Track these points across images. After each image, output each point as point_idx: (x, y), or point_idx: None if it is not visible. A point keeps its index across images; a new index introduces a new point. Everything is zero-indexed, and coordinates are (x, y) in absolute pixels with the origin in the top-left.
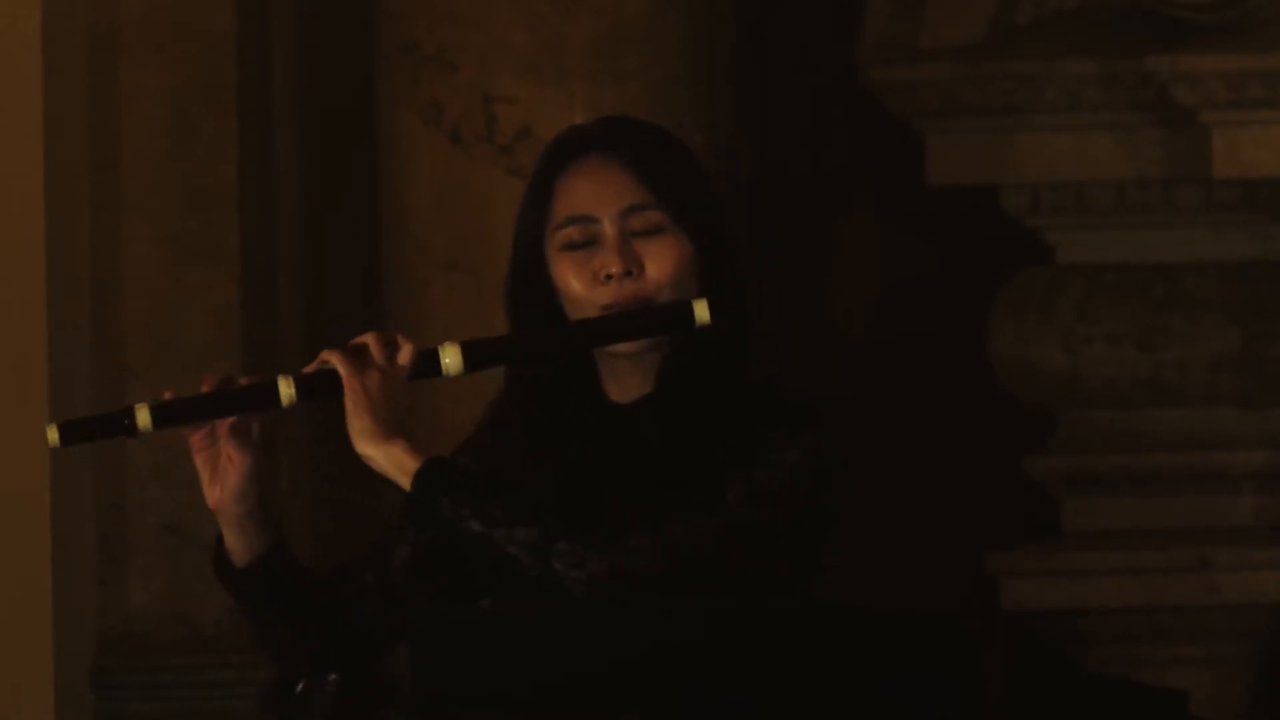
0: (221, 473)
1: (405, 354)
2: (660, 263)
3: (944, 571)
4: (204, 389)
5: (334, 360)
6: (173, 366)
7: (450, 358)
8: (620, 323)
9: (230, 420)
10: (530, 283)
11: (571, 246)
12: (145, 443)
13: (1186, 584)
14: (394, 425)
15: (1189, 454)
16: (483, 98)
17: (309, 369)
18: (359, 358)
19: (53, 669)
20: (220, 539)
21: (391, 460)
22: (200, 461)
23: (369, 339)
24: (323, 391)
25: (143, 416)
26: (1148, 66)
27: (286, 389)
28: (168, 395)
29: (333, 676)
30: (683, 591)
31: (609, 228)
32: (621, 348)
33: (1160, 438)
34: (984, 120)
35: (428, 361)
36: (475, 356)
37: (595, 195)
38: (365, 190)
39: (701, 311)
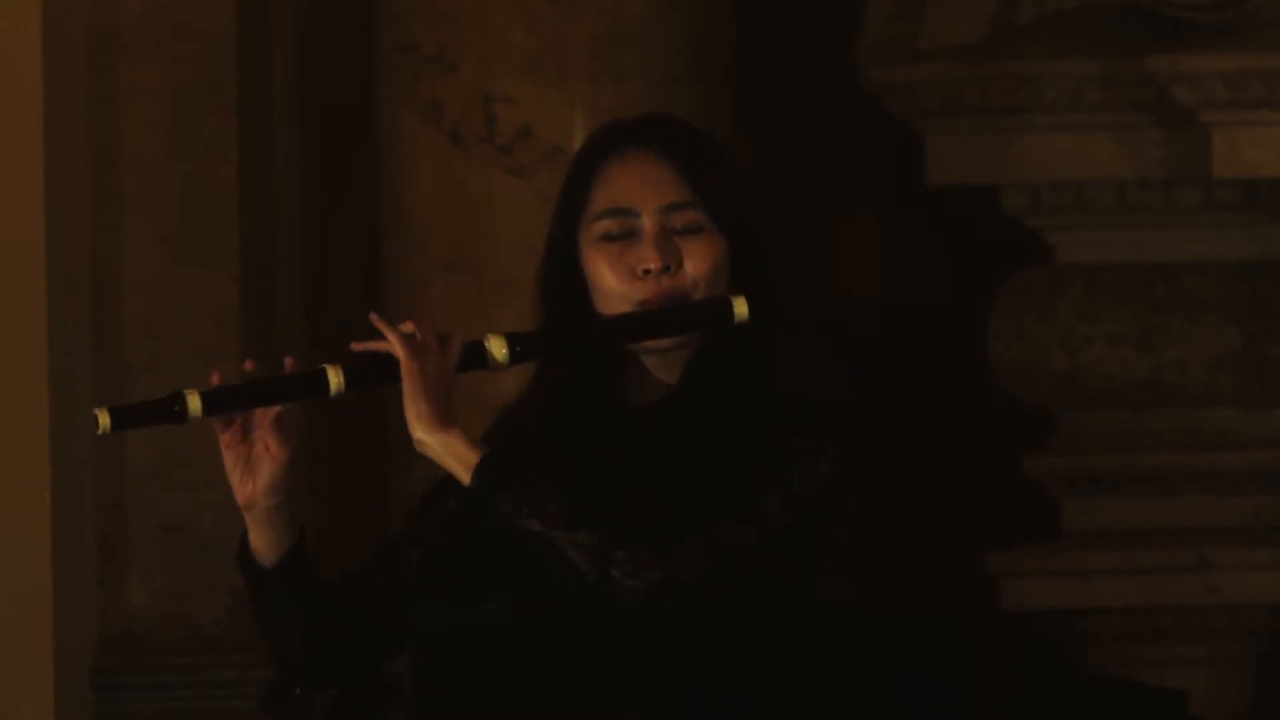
0: (255, 465)
1: (455, 343)
2: (698, 261)
3: (944, 571)
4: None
5: (394, 339)
6: (173, 366)
7: (496, 349)
8: (661, 317)
9: (274, 410)
10: (562, 272)
11: (608, 238)
12: (146, 444)
13: (1186, 584)
14: (451, 413)
15: (1189, 454)
16: (483, 98)
17: (358, 347)
18: (415, 344)
19: (53, 669)
20: (244, 540)
21: (448, 449)
22: (231, 458)
23: (418, 327)
24: (372, 380)
25: (193, 402)
26: (1148, 66)
27: (335, 377)
28: (215, 380)
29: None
30: (724, 596)
31: (648, 223)
32: (652, 343)
33: (1160, 438)
34: (984, 120)
35: (474, 353)
36: (519, 347)
37: (636, 189)
38: (365, 190)
39: (741, 308)
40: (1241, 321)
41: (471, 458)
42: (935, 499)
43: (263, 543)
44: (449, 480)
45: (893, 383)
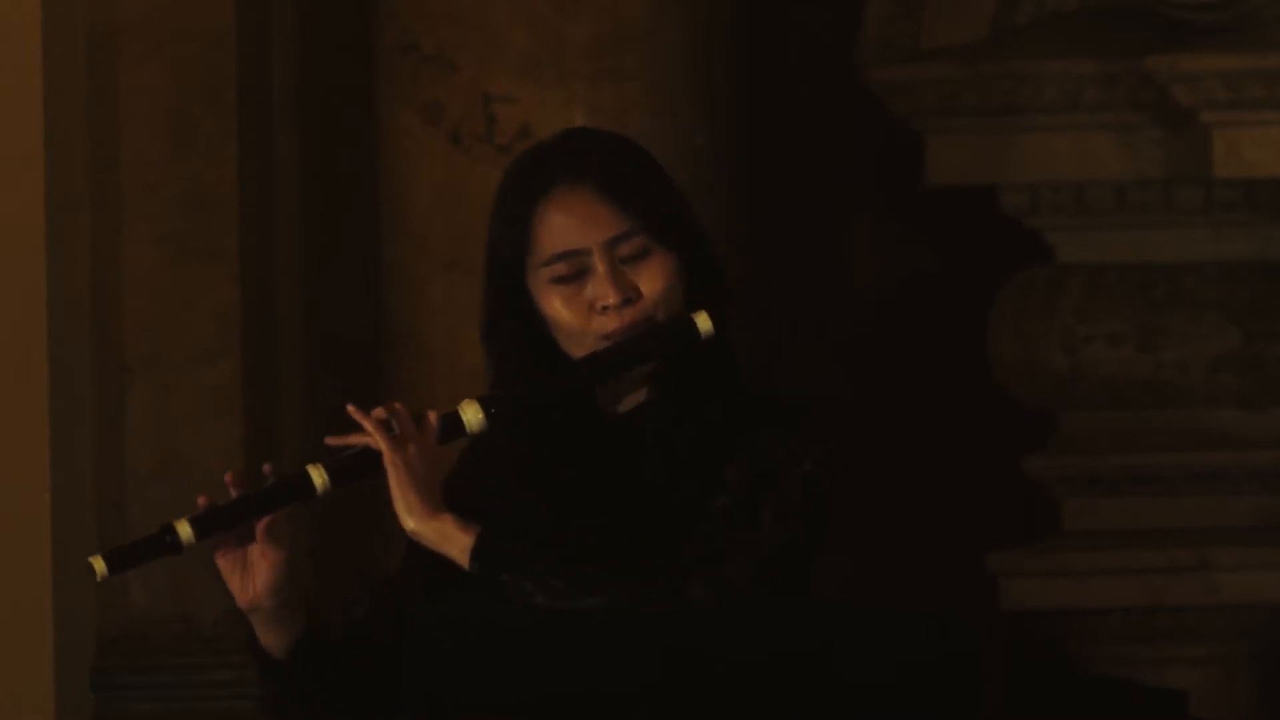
0: (253, 570)
1: (432, 422)
2: (652, 283)
3: (944, 571)
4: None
5: (372, 430)
6: (173, 366)
7: (470, 415)
8: (629, 350)
9: (265, 520)
10: (514, 314)
11: (560, 280)
12: (145, 442)
13: (1186, 584)
14: (439, 498)
15: (1189, 454)
16: (482, 98)
17: (334, 441)
18: (391, 431)
19: (53, 669)
20: (252, 634)
21: (443, 536)
22: (226, 566)
23: (395, 410)
24: (356, 474)
25: (184, 530)
26: (1147, 66)
27: (319, 477)
28: (201, 502)
29: None
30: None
31: (598, 261)
32: None
33: (1160, 438)
34: (984, 120)
35: (451, 424)
36: (494, 410)
37: (577, 229)
38: (365, 190)
39: (704, 324)
40: (1241, 322)
41: (467, 541)
42: (935, 499)
43: (270, 639)
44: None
45: (893, 383)
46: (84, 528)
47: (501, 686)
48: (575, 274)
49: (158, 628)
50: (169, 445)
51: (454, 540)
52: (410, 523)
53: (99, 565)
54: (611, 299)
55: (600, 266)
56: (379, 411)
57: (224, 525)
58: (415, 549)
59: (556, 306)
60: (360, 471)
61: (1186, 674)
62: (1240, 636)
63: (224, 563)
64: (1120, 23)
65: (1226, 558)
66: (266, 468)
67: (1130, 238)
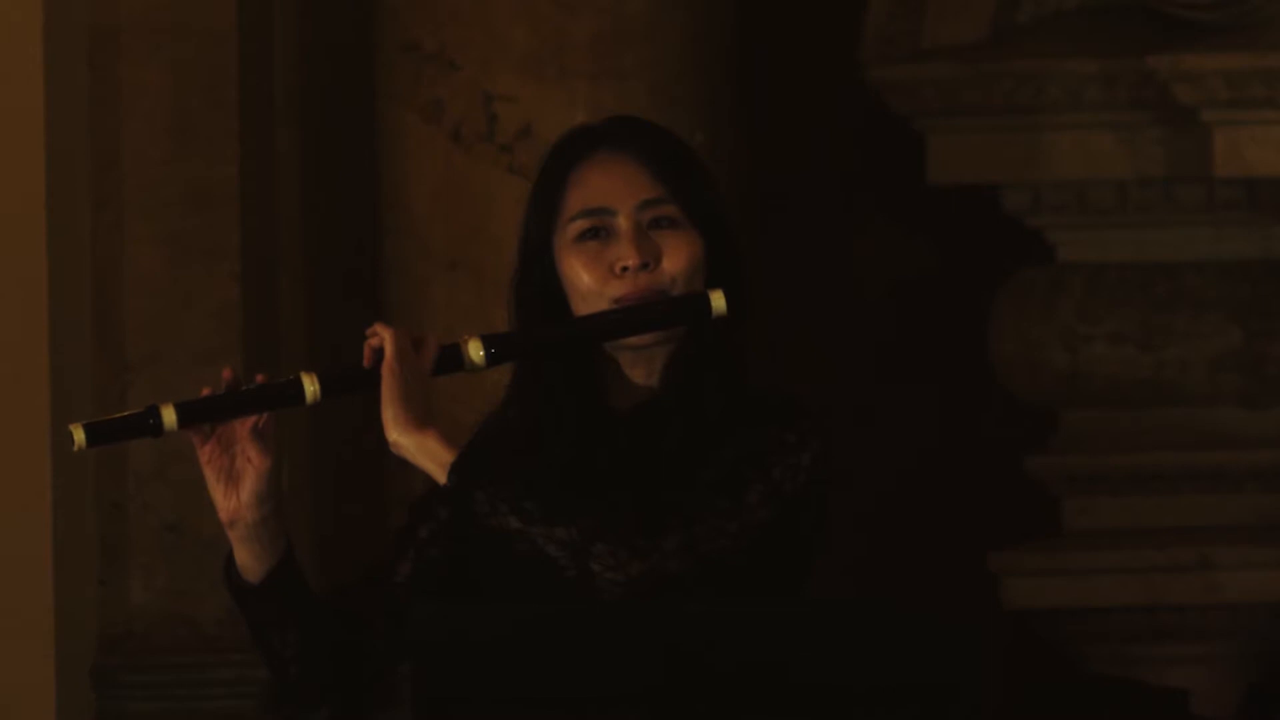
0: (238, 478)
1: (431, 346)
2: (675, 257)
3: (945, 571)
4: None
5: (385, 336)
6: (173, 366)
7: (472, 350)
8: (638, 314)
9: (251, 420)
10: (538, 278)
11: (585, 239)
12: (146, 442)
13: (1187, 583)
14: (427, 414)
15: (1190, 453)
16: (483, 97)
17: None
18: (391, 350)
19: (53, 669)
20: (230, 559)
21: (425, 450)
22: (212, 474)
23: (394, 332)
24: (346, 387)
25: (168, 416)
26: (1149, 66)
27: (311, 386)
28: (206, 392)
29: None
30: (707, 591)
31: (625, 221)
32: (631, 340)
33: (1161, 437)
34: (985, 120)
35: (450, 356)
36: (495, 349)
37: (611, 188)
38: (366, 189)
39: (719, 302)
40: (1242, 320)
41: (447, 457)
42: (936, 499)
43: (249, 558)
44: (437, 490)
45: (894, 382)
46: (84, 528)
47: (502, 686)
48: (599, 234)
49: (158, 628)
50: (169, 445)
51: (434, 455)
52: (394, 434)
53: (78, 434)
54: (632, 260)
55: (625, 226)
56: (378, 331)
57: (209, 417)
58: (412, 532)
59: (575, 266)
60: (351, 385)
61: (1187, 673)
62: (1241, 636)
63: (210, 471)
64: (1121, 22)
65: (1227, 556)
66: (260, 378)
67: (1131, 236)
